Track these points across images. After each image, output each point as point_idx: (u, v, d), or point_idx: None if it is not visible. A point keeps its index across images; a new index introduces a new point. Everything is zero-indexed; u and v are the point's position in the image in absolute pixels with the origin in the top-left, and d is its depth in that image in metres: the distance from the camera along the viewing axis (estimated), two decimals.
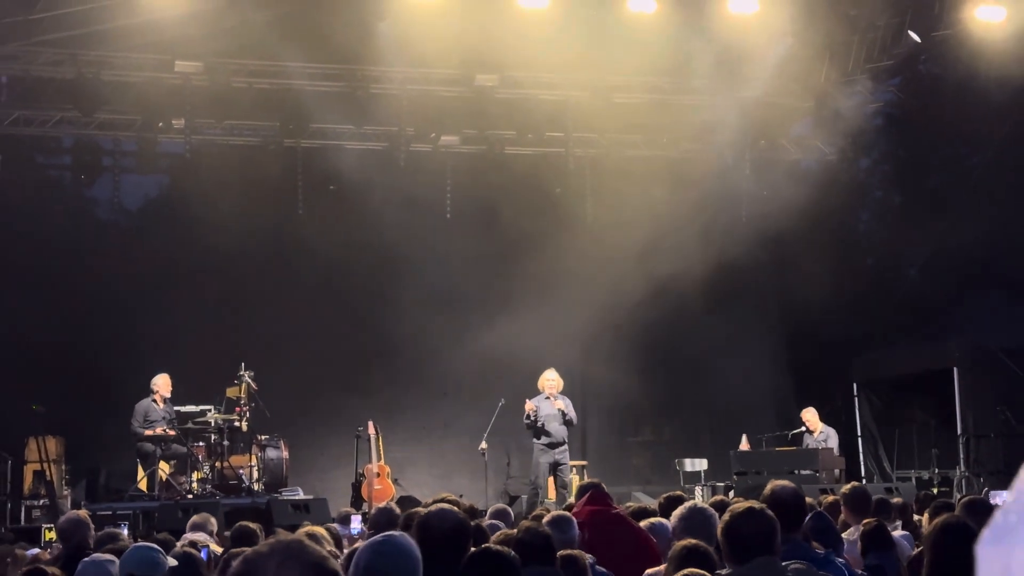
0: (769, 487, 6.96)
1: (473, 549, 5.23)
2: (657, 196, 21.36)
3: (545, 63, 19.65)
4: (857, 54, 21.10)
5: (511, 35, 18.12)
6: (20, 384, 18.65)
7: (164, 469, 17.07)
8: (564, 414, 17.38)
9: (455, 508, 6.43)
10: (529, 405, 17.36)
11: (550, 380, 17.56)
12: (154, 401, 17.41)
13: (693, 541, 5.93)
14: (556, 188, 21.85)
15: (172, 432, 17.19)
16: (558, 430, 17.33)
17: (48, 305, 19.24)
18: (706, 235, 20.79)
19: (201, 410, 17.56)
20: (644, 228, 20.36)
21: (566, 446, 17.50)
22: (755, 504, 6.57)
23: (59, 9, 18.51)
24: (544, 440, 17.30)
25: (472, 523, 6.81)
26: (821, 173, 21.92)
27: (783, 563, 5.54)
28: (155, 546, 6.93)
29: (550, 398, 17.46)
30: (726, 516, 5.95)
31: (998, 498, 11.92)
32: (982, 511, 8.28)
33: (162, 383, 17.53)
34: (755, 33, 18.51)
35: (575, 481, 16.69)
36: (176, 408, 17.52)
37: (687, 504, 8.28)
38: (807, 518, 7.14)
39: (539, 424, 17.28)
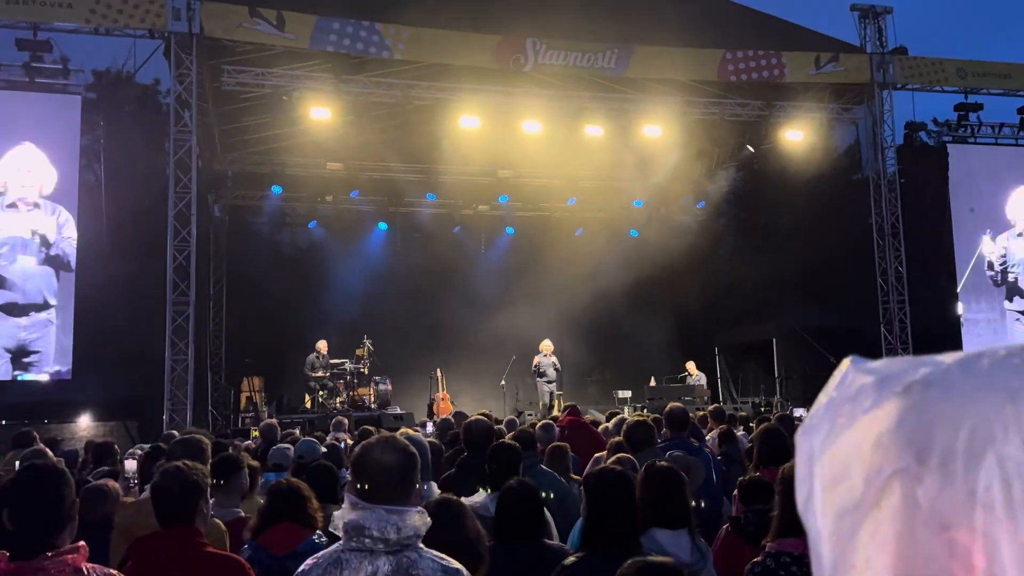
0: (668, 407, 6.98)
1: (494, 442, 5.16)
2: (600, 241, 21.35)
3: (539, 162, 19.66)
4: (718, 157, 21.04)
5: (519, 146, 18.14)
6: (239, 348, 18.70)
7: (320, 396, 17.03)
8: (555, 365, 17.33)
9: (486, 419, 6.42)
10: (536, 359, 17.29)
11: (548, 345, 17.48)
12: (317, 356, 17.34)
13: (619, 438, 5.92)
14: (545, 235, 21.75)
15: (326, 375, 17.19)
16: (552, 374, 17.26)
17: (251, 304, 19.22)
18: (628, 264, 20.81)
19: (342, 361, 17.44)
20: (591, 260, 20.39)
21: (556, 383, 17.45)
22: (641, 416, 6.60)
23: (261, 133, 18.60)
24: (544, 379, 17.25)
25: (495, 427, 6.80)
26: (696, 227, 21.79)
27: (671, 451, 5.51)
28: (314, 440, 6.90)
29: (547, 356, 17.40)
30: (624, 426, 5.95)
31: (797, 412, 11.79)
32: (787, 421, 8.27)
33: (322, 345, 17.44)
34: (658, 146, 18.49)
35: (559, 403, 16.62)
36: (330, 360, 17.47)
37: (618, 417, 8.27)
38: (688, 425, 7.14)
39: (541, 371, 17.23)
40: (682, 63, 15.59)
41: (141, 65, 14.29)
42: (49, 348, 13.43)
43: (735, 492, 4.53)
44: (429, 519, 2.45)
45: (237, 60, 14.91)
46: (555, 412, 14.96)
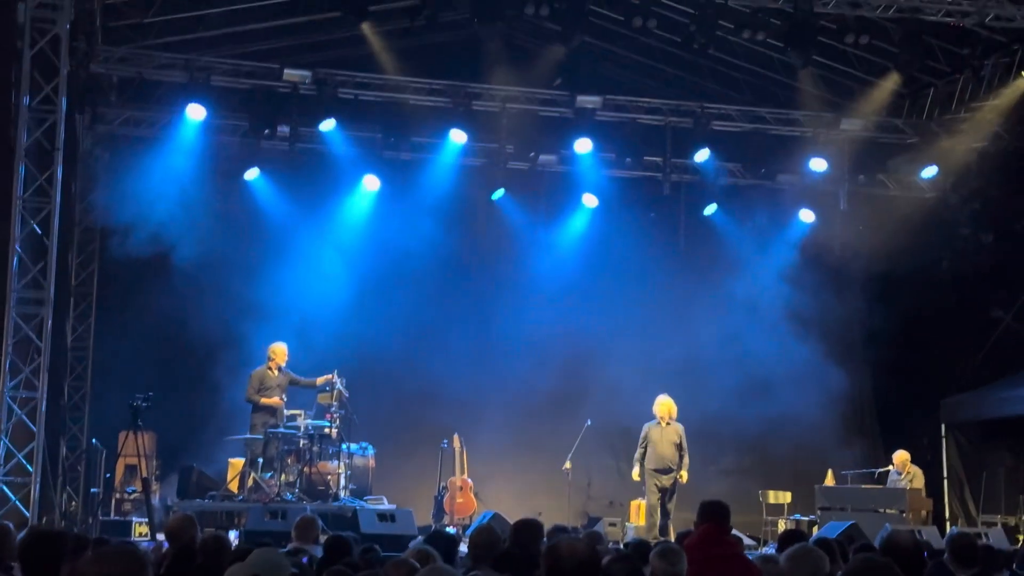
0: (889, 534, 7.04)
1: None
2: (754, 224, 20.99)
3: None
4: (962, 92, 20.43)
5: None
6: (119, 380, 18.40)
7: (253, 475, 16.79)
8: (678, 442, 17.26)
9: (583, 543, 6.28)
10: (645, 429, 17.33)
11: (666, 403, 17.36)
12: (269, 368, 17.32)
13: None
14: (650, 213, 21.37)
15: (281, 401, 17.27)
16: (670, 455, 17.08)
17: (139, 306, 19.02)
18: (795, 263, 20.52)
19: (291, 415, 17.25)
20: (736, 260, 20.16)
21: (674, 473, 17.16)
22: (876, 559, 6.31)
23: (171, 14, 18.47)
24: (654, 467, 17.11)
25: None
26: (912, 209, 21.23)
27: None
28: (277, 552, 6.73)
29: (662, 423, 17.17)
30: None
31: None
32: None
33: (280, 351, 17.39)
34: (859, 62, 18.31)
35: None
36: (298, 378, 17.58)
37: (799, 545, 7.92)
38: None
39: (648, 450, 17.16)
40: None
41: None
42: None
43: None
44: None
45: None
46: (671, 532, 14.80)
